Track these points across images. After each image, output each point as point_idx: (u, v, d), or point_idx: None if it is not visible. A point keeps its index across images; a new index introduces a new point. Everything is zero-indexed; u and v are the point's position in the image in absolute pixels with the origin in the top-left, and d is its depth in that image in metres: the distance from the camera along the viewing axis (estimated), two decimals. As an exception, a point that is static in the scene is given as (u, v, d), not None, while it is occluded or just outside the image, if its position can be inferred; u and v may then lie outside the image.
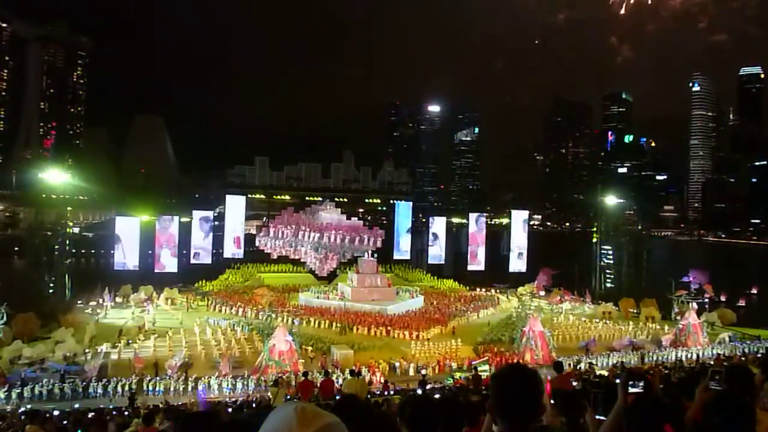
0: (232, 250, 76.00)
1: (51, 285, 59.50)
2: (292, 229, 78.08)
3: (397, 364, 40.58)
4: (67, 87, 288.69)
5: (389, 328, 50.99)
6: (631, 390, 4.13)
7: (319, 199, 79.42)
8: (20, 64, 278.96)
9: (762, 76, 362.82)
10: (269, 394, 29.11)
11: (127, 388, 34.39)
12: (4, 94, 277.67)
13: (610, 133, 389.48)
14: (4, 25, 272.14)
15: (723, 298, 68.33)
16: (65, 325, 46.63)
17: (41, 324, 47.96)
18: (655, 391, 4.51)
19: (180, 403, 30.37)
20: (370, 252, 69.94)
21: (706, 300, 63.90)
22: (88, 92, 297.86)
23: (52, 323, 48.49)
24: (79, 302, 60.56)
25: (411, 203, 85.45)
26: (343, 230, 79.37)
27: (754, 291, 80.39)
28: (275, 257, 77.43)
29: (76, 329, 46.03)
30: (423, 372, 39.07)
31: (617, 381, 4.29)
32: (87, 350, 42.14)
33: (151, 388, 35.13)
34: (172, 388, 35.26)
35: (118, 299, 62.73)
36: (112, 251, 71.73)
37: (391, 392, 30.17)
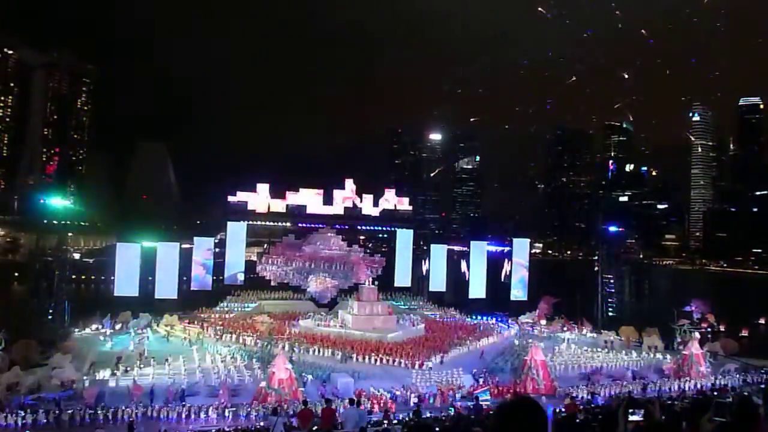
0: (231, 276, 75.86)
1: (50, 311, 59.25)
2: (292, 256, 77.99)
3: (399, 393, 40.23)
4: (71, 113, 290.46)
5: (389, 356, 50.74)
6: (631, 418, 4.11)
7: (321, 226, 79.34)
8: (25, 91, 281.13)
9: (761, 106, 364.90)
10: (268, 422, 28.84)
11: (123, 416, 34.15)
12: (8, 120, 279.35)
13: (610, 161, 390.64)
14: (10, 52, 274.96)
15: (722, 328, 67.84)
16: (63, 351, 46.34)
17: (40, 351, 47.66)
18: (656, 420, 4.48)
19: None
20: (370, 280, 69.73)
21: (708, 330, 63.57)
22: (91, 119, 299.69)
23: (51, 350, 48.19)
24: (77, 329, 60.31)
25: (412, 231, 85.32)
26: (343, 257, 79.25)
27: (762, 321, 79.53)
28: (276, 284, 77.20)
29: (74, 356, 45.74)
30: (415, 401, 38.81)
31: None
32: (85, 377, 41.86)
33: (155, 415, 34.98)
34: (171, 416, 35.06)
35: (117, 326, 62.44)
36: (112, 277, 71.51)
37: (393, 421, 29.86)
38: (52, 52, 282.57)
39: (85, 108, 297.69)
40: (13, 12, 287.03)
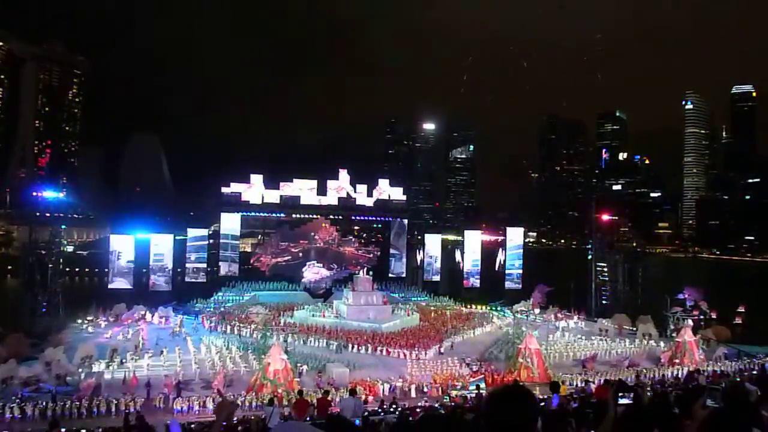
0: (226, 268, 76.01)
1: (44, 305, 59.09)
2: (286, 246, 78.02)
3: (397, 384, 40.22)
4: (63, 105, 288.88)
5: (384, 346, 50.97)
6: (621, 401, 4.14)
7: (315, 216, 79.36)
8: (16, 83, 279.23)
9: (754, 94, 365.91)
10: (264, 413, 28.88)
11: (124, 407, 34.18)
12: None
13: (604, 150, 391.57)
14: (0, 44, 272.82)
15: (713, 315, 68.16)
16: (56, 344, 46.20)
17: (33, 344, 47.53)
18: (644, 402, 4.52)
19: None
20: (365, 270, 69.82)
21: (701, 317, 63.93)
22: (83, 111, 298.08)
23: (44, 343, 48.04)
24: (72, 322, 60.19)
25: (406, 221, 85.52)
26: (338, 248, 79.32)
27: (742, 309, 79.61)
28: (270, 275, 77.24)
29: (67, 349, 45.61)
30: (425, 390, 38.96)
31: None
32: (80, 369, 41.82)
33: (159, 405, 35.18)
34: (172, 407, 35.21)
35: (111, 318, 62.36)
36: (106, 270, 71.42)
37: (390, 411, 29.96)
38: (43, 44, 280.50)
39: (77, 100, 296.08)
40: (3, 4, 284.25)
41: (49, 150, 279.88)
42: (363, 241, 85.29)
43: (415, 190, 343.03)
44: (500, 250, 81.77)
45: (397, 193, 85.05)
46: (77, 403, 34.46)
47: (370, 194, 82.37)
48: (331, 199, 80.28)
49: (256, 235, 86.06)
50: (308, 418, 20.93)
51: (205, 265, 74.54)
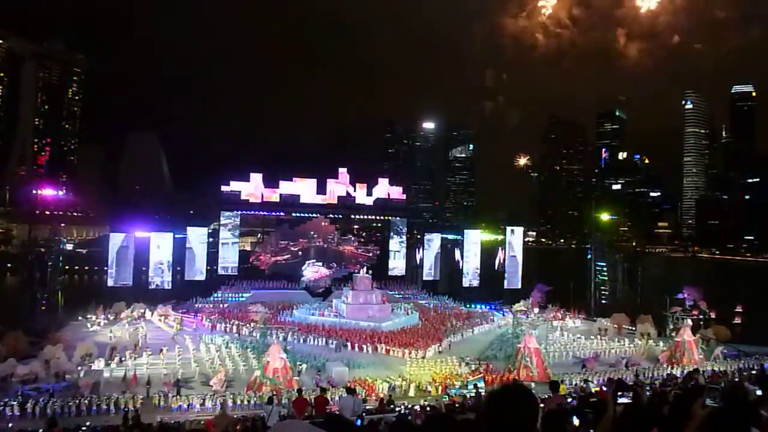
0: (225, 266, 75.94)
1: (43, 302, 59.10)
2: (286, 245, 78.00)
3: (396, 383, 40.21)
4: (62, 103, 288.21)
5: (384, 345, 50.99)
6: (620, 401, 4.14)
7: (314, 215, 79.32)
8: (15, 81, 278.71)
9: (754, 94, 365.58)
10: (263, 412, 28.90)
11: (123, 405, 34.21)
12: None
13: (603, 150, 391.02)
14: (0, 42, 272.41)
15: (713, 315, 68.19)
16: (55, 342, 46.19)
17: (32, 341, 47.51)
18: (643, 401, 4.52)
19: (173, 421, 30.12)
20: (364, 268, 69.80)
21: (700, 317, 63.93)
22: (82, 109, 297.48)
23: (43, 341, 48.05)
24: (71, 320, 60.17)
25: (406, 220, 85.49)
26: (337, 246, 79.31)
27: (739, 309, 79.53)
28: (269, 274, 77.24)
29: (66, 347, 45.59)
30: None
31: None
32: (80, 367, 41.82)
33: (161, 404, 35.24)
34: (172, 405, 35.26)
35: (111, 316, 62.33)
36: (105, 268, 71.37)
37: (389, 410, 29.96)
38: (43, 42, 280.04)
39: (77, 98, 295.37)
40: (3, 2, 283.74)
41: (48, 148, 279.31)
42: (362, 239, 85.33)
43: (415, 189, 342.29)
44: (500, 249, 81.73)
45: (397, 192, 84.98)
46: (77, 401, 34.49)
47: (369, 193, 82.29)
48: (330, 197, 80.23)
49: (255, 234, 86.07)
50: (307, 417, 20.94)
51: (204, 264, 74.48)
